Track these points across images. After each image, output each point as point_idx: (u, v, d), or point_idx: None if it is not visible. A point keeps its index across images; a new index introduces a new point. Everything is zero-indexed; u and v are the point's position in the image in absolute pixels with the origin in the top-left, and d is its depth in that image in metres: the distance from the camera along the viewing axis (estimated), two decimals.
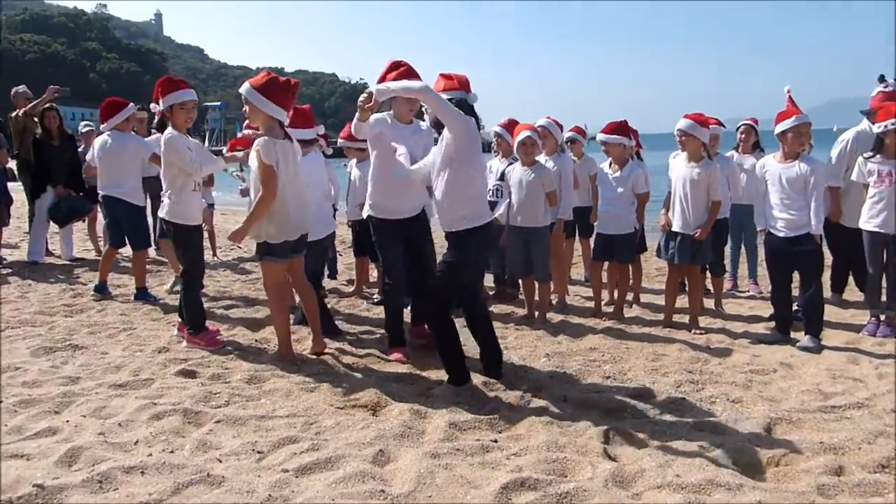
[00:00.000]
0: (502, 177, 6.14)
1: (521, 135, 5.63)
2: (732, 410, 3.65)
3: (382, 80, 4.27)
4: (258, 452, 3.08)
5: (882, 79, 6.02)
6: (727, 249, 7.22)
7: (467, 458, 3.01)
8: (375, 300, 6.47)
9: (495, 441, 3.22)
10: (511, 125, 6.38)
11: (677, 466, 2.92)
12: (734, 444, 3.16)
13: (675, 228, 5.46)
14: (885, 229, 5.28)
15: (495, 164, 6.37)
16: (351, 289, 7.07)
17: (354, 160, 6.72)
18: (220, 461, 2.99)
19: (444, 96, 3.98)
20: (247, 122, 5.42)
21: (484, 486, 2.72)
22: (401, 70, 4.32)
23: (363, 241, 6.71)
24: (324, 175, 5.64)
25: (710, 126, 5.75)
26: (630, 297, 6.46)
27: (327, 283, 7.29)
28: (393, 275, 4.64)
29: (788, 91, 5.36)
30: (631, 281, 6.37)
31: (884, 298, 5.43)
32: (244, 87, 4.39)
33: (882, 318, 5.45)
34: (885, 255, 5.36)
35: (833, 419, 3.54)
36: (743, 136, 6.82)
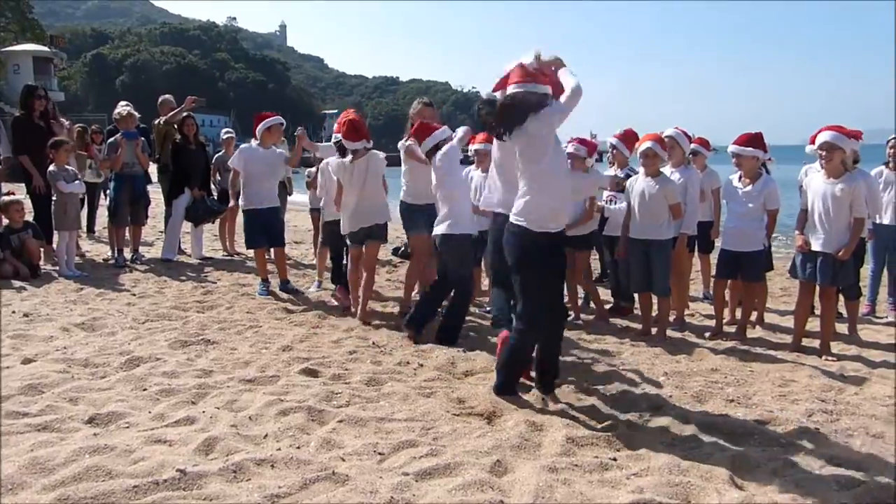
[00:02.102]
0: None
1: (644, 145, 5.51)
2: (874, 446, 3.41)
3: (504, 84, 4.11)
4: (379, 454, 3.17)
5: None
6: (866, 272, 6.78)
7: (586, 475, 2.98)
8: (488, 309, 6.50)
9: (614, 459, 3.16)
10: (628, 135, 6.27)
11: (813, 502, 2.77)
12: (879, 482, 2.95)
13: (816, 248, 5.15)
14: None
15: (610, 173, 6.27)
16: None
17: (478, 169, 6.78)
18: (344, 460, 3.10)
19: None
20: None
21: None
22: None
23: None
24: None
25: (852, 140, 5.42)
26: (753, 317, 6.17)
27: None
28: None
29: None
30: (755, 300, 6.08)
31: None
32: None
33: None
34: None
35: None
36: (893, 150, 6.37)
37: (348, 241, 6.32)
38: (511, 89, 3.86)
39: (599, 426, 3.62)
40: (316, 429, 3.50)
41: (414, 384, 4.22)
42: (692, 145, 6.67)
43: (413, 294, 6.39)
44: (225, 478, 2.89)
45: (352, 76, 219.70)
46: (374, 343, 5.19)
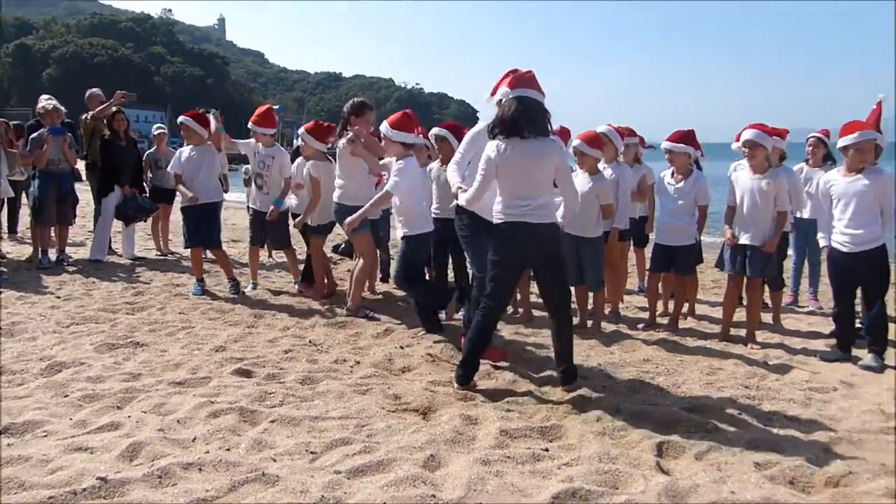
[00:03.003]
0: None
1: (572, 144, 5.62)
2: (790, 428, 3.56)
3: (498, 87, 4.26)
4: (312, 453, 3.14)
5: None
6: (788, 263, 7.06)
7: (518, 466, 3.02)
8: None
9: (546, 450, 3.21)
10: (563, 133, 6.36)
11: (732, 483, 2.87)
12: (791, 462, 3.08)
13: (745, 241, 5.33)
14: None
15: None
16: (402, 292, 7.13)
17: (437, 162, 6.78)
18: (275, 460, 3.06)
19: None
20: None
21: (535, 495, 2.71)
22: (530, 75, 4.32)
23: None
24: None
25: (775, 138, 5.64)
26: (685, 309, 6.35)
27: (380, 286, 7.39)
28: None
29: (882, 98, 5.10)
30: (687, 293, 6.26)
31: None
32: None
33: None
34: None
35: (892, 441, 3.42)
36: (812, 148, 6.65)
37: (314, 234, 6.53)
38: (534, 94, 3.99)
39: (534, 418, 3.67)
40: (247, 430, 3.44)
41: (350, 382, 4.19)
42: (625, 139, 6.83)
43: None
44: (149, 484, 2.82)
45: (293, 71, 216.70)
46: (310, 342, 5.14)
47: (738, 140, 5.45)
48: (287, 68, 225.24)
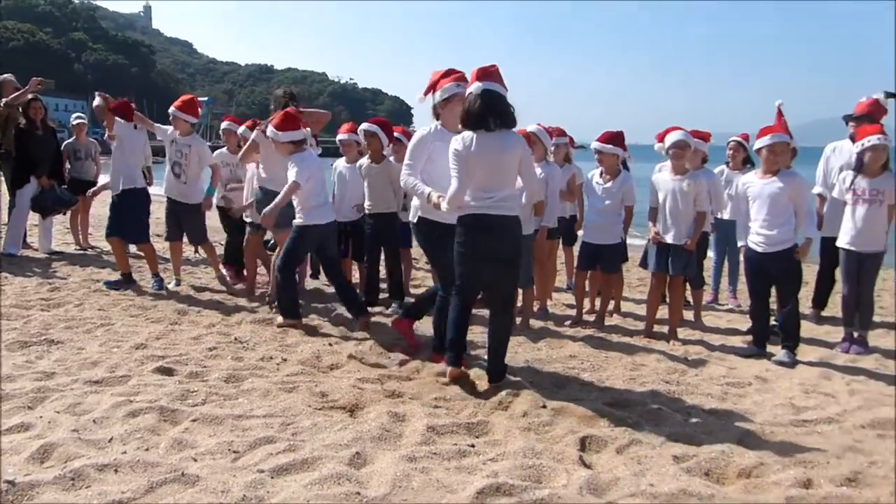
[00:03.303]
0: None
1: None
2: (707, 422, 3.69)
3: (434, 87, 4.39)
4: (234, 452, 3.07)
5: (891, 95, 6.08)
6: (708, 263, 7.32)
7: (444, 463, 3.03)
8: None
9: (472, 446, 3.23)
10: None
11: (651, 476, 2.96)
12: (708, 454, 3.19)
13: (668, 240, 5.50)
14: (858, 247, 5.40)
15: None
16: (332, 290, 7.06)
17: (344, 159, 6.74)
18: (196, 460, 2.98)
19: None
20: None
21: (460, 491, 2.73)
22: (456, 76, 4.41)
23: (350, 243, 6.73)
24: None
25: (697, 140, 5.86)
26: (611, 306, 6.51)
27: (310, 282, 7.29)
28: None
29: (780, 104, 5.40)
30: (613, 291, 6.41)
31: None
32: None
33: (855, 335, 5.55)
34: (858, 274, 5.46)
35: (804, 433, 3.60)
36: (731, 151, 6.91)
37: (254, 230, 6.43)
38: (499, 88, 4.03)
39: (461, 414, 3.69)
40: (167, 429, 3.34)
41: (276, 380, 4.12)
42: (555, 138, 6.95)
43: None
44: (61, 486, 2.70)
45: (223, 63, 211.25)
46: (236, 339, 5.03)
47: (659, 141, 5.63)
48: (217, 59, 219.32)
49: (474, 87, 4.00)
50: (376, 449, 3.15)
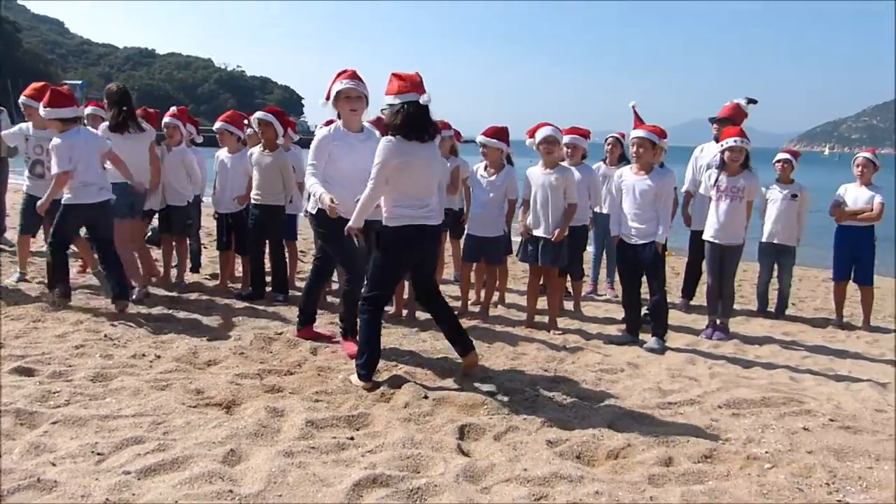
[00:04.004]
0: None
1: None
2: (581, 407, 3.85)
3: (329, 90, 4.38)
4: (98, 454, 2.91)
5: (752, 101, 6.54)
6: (588, 255, 7.62)
7: (322, 456, 3.00)
8: (244, 294, 6.28)
9: (352, 438, 3.22)
10: (380, 123, 6.40)
11: (526, 461, 3.05)
12: (580, 438, 3.34)
13: (537, 233, 5.68)
14: (720, 240, 5.78)
15: None
16: (214, 283, 6.83)
17: (226, 149, 6.53)
18: (54, 465, 2.81)
19: (396, 99, 3.96)
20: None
21: (336, 484, 2.71)
22: (343, 75, 4.43)
23: (233, 235, 6.53)
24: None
25: (570, 136, 6.09)
26: (496, 297, 6.65)
27: (189, 276, 7.02)
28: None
29: (634, 106, 5.73)
30: (497, 282, 6.56)
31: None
32: None
33: (718, 322, 5.94)
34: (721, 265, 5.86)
35: (668, 415, 3.82)
36: (610, 147, 7.21)
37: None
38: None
39: (342, 407, 3.66)
40: (24, 433, 3.12)
41: (148, 377, 3.94)
42: (441, 132, 7.03)
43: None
44: None
45: (99, 44, 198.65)
46: (106, 336, 4.76)
47: (530, 136, 5.80)
48: (91, 40, 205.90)
49: (414, 97, 3.96)
50: (252, 445, 3.07)
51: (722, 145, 5.83)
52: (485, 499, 2.67)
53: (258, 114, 6.13)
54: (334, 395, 3.81)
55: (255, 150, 6.17)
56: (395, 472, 2.83)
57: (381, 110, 4.17)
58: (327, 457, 3.00)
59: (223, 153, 6.52)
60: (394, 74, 4.05)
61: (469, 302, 6.40)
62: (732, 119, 6.32)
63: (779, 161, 6.90)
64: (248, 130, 6.67)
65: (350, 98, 4.45)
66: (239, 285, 6.70)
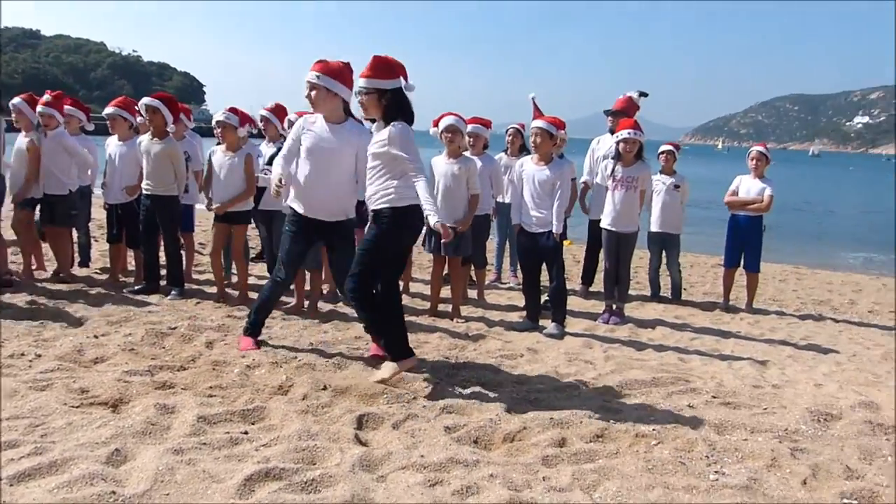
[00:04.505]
0: (270, 161, 6.08)
1: (287, 121, 5.57)
2: (480, 393, 3.90)
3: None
4: None
5: (643, 94, 6.78)
6: (492, 244, 7.74)
7: (213, 452, 2.91)
8: (136, 288, 6.02)
9: (246, 433, 3.14)
10: (278, 109, 6.27)
11: (423, 447, 3.07)
12: (477, 423, 3.38)
13: None
14: (616, 228, 5.99)
15: (263, 148, 6.26)
16: (105, 278, 6.51)
17: (115, 137, 6.24)
18: None
19: (388, 84, 3.85)
20: None
21: (227, 480, 2.64)
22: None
23: (123, 227, 6.25)
24: None
25: (472, 125, 6.15)
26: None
27: (79, 270, 6.67)
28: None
29: (533, 97, 5.86)
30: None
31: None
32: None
33: (614, 307, 6.17)
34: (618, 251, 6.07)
35: (564, 397, 3.93)
36: (511, 138, 7.32)
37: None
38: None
39: (237, 401, 3.57)
40: None
41: (26, 378, 3.70)
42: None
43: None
44: None
45: None
46: None
47: (434, 126, 5.83)
48: None
49: (399, 83, 3.90)
50: (139, 444, 2.94)
51: (617, 137, 6.03)
52: (380, 487, 2.67)
53: (145, 99, 5.86)
54: (229, 390, 3.71)
55: (145, 138, 5.90)
56: (290, 464, 2.78)
57: (365, 93, 3.90)
58: (219, 452, 2.91)
59: (112, 141, 6.22)
60: (383, 57, 3.90)
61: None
62: (626, 111, 6.56)
63: (662, 153, 7.23)
64: (139, 119, 6.39)
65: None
66: (132, 279, 6.42)
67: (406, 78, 3.93)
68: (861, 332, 6.57)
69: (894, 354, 5.57)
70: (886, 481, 3.02)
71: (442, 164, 5.71)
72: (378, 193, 3.96)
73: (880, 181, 55.69)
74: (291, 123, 5.70)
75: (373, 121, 4.16)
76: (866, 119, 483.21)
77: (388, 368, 3.96)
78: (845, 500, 2.82)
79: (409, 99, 3.96)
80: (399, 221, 3.93)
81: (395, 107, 3.89)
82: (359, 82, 3.90)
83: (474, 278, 6.92)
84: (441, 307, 5.99)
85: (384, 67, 3.86)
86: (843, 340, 6.15)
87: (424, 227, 5.81)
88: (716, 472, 3.01)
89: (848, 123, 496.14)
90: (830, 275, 10.93)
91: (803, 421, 3.72)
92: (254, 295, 6.07)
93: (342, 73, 4.19)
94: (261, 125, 6.53)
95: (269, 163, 6.17)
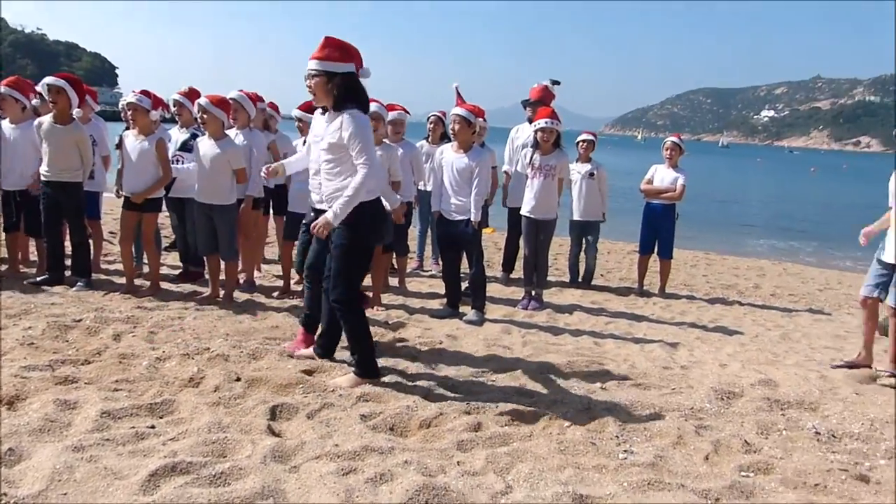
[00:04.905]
0: (183, 146, 5.90)
1: (197, 104, 5.38)
2: (399, 381, 3.89)
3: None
4: None
5: (556, 82, 6.87)
6: (415, 231, 7.74)
7: (117, 448, 2.79)
8: (38, 279, 5.71)
9: (153, 427, 3.03)
10: (191, 94, 6.07)
11: (338, 436, 3.04)
12: (393, 410, 3.37)
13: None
14: (535, 215, 6.09)
15: (175, 133, 6.04)
16: (3, 268, 6.15)
17: (8, 119, 5.88)
18: None
19: (339, 67, 3.61)
20: None
21: (130, 476, 2.53)
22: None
23: (22, 214, 5.92)
24: None
25: (395, 112, 6.10)
26: None
27: None
28: None
29: (456, 86, 5.88)
30: None
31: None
32: None
33: (533, 293, 6.27)
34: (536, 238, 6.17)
35: (481, 383, 3.97)
36: (432, 126, 7.32)
37: None
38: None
39: (144, 395, 3.44)
40: None
41: None
42: (258, 104, 6.84)
43: None
44: None
45: None
46: None
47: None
48: None
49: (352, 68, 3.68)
50: (35, 442, 2.79)
51: (535, 126, 6.11)
52: (292, 477, 2.62)
53: (48, 79, 5.54)
54: (136, 384, 3.57)
55: (45, 121, 5.58)
56: (198, 458, 2.70)
57: (314, 75, 3.66)
58: (123, 448, 2.79)
59: (5, 124, 5.86)
60: (335, 39, 3.68)
61: (293, 281, 6.25)
62: (542, 100, 6.65)
63: (581, 141, 7.38)
64: (35, 100, 6.05)
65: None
66: (34, 270, 6.09)
67: (361, 64, 3.70)
68: (763, 314, 6.92)
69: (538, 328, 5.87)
70: (780, 454, 3.19)
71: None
72: (340, 192, 3.69)
73: (783, 172, 58.77)
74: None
75: (325, 110, 3.82)
76: (772, 113, 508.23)
77: (349, 380, 3.77)
78: (742, 473, 2.95)
79: (363, 86, 3.72)
80: (369, 218, 3.75)
81: (346, 93, 3.63)
82: (309, 64, 3.66)
83: (396, 266, 6.90)
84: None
85: (336, 48, 3.64)
86: (747, 322, 6.46)
87: None
88: (625, 451, 3.11)
89: (755, 116, 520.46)
90: (738, 260, 11.45)
91: (708, 399, 3.88)
92: (166, 286, 5.89)
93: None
94: (174, 110, 6.31)
95: (182, 149, 5.97)
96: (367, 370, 3.82)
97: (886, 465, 3.14)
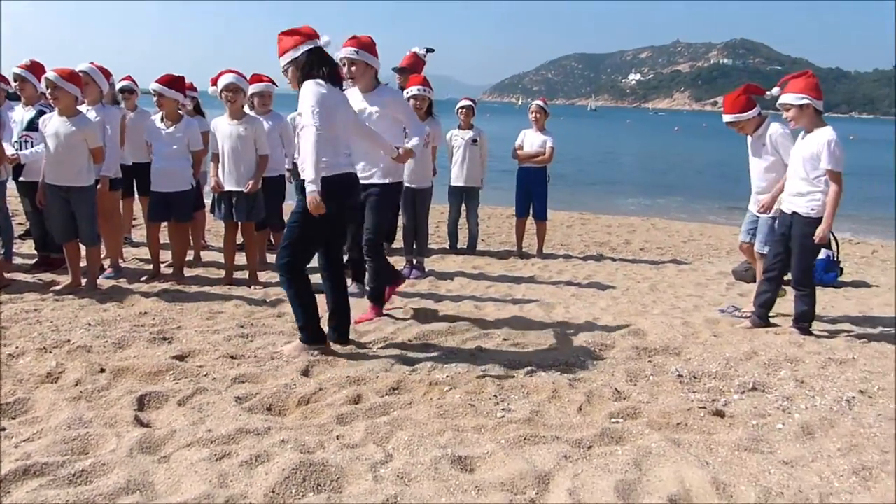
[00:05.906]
0: (30, 125, 5.43)
1: (45, 79, 4.96)
2: (275, 360, 3.79)
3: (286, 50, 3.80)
4: None
5: (430, 50, 6.79)
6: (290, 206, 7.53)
7: None
8: None
9: (3, 430, 2.80)
10: (35, 67, 5.59)
11: (210, 421, 2.93)
12: (270, 390, 3.29)
13: (229, 187, 5.43)
14: (411, 183, 6.09)
15: (19, 112, 5.55)
16: None
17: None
18: None
19: (295, 52, 3.76)
20: None
21: None
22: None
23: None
24: None
25: (261, 84, 5.89)
26: (191, 255, 6.28)
27: None
28: None
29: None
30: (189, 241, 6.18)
31: None
32: None
33: (414, 262, 6.29)
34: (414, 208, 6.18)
35: (361, 354, 3.94)
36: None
37: None
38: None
39: None
40: None
41: None
42: (123, 82, 6.50)
43: None
44: None
45: None
46: None
47: (213, 84, 5.54)
48: None
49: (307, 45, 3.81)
50: None
51: (406, 93, 6.05)
52: (161, 468, 2.50)
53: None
54: None
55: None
56: (56, 457, 2.52)
57: (285, 71, 3.85)
58: None
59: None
60: (284, 31, 3.84)
61: (162, 264, 5.94)
62: (413, 68, 6.60)
63: (461, 108, 7.41)
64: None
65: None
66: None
67: (316, 36, 3.82)
68: (634, 268, 7.29)
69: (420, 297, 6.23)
70: (647, 398, 3.38)
71: (225, 126, 5.40)
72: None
73: (650, 133, 61.88)
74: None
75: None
76: (638, 76, 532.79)
77: (295, 347, 3.91)
78: (613, 420, 3.11)
79: (325, 56, 3.84)
80: (328, 192, 3.70)
81: (308, 68, 3.77)
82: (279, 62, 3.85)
83: (273, 242, 6.71)
84: (238, 274, 5.74)
85: (287, 39, 3.80)
86: (619, 277, 6.77)
87: (214, 194, 5.53)
88: (503, 409, 3.18)
89: (623, 80, 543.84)
90: (610, 219, 11.97)
91: (582, 353, 4.04)
92: (20, 276, 5.47)
93: (373, 46, 4.45)
94: (15, 85, 5.80)
95: (28, 129, 5.51)
96: (313, 336, 3.93)
97: (739, 399, 3.40)
